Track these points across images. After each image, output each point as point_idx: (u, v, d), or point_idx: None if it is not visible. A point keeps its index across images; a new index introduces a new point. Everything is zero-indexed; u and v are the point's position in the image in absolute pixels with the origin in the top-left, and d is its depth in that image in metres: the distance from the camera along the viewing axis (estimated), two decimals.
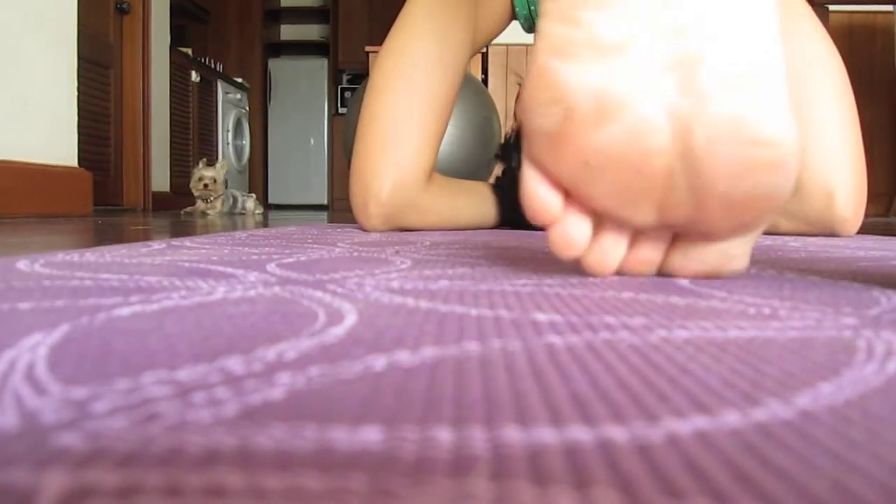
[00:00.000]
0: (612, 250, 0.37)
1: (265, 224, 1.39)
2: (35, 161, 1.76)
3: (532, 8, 1.01)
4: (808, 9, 0.90)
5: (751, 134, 0.30)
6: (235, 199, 2.50)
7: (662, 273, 0.39)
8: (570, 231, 0.36)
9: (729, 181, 0.31)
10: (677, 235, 0.37)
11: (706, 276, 0.38)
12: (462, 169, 1.31)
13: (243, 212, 2.61)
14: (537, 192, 0.35)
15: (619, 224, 0.36)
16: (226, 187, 2.40)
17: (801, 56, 0.87)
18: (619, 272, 0.38)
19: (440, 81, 0.92)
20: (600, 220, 0.36)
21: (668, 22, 0.31)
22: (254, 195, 2.67)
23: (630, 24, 0.31)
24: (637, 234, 0.37)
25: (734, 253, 0.36)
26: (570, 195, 0.35)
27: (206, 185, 2.27)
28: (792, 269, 0.46)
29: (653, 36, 0.31)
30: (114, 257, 0.47)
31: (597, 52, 0.31)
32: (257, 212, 2.62)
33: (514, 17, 1.04)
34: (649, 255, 0.37)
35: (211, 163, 2.38)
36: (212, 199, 2.29)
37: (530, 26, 1.05)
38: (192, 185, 2.30)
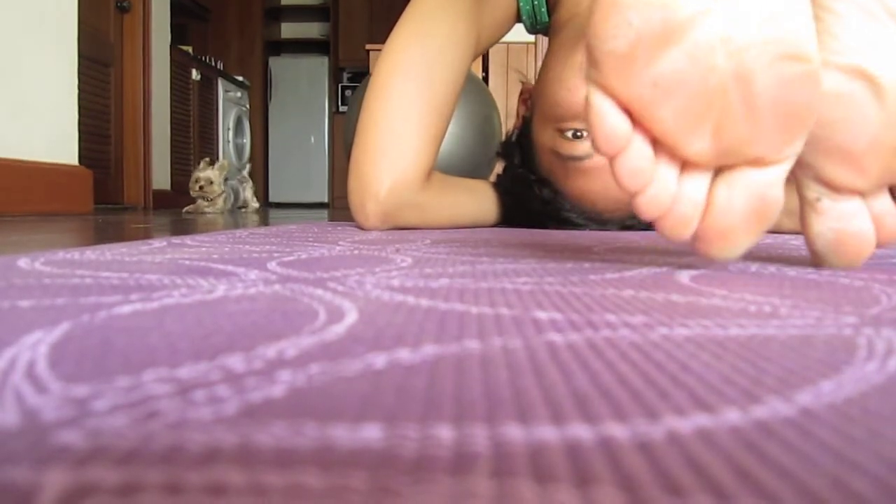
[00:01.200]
0: (666, 182, 0.39)
1: (265, 221, 1.39)
2: (35, 159, 1.76)
3: (535, 3, 1.01)
4: None
5: (791, 51, 0.36)
6: (237, 194, 2.50)
7: (706, 223, 0.40)
8: (636, 158, 0.38)
9: (776, 92, 0.37)
10: (719, 171, 0.40)
11: (753, 210, 0.39)
12: (463, 167, 1.31)
13: (244, 207, 2.61)
14: (609, 115, 0.38)
15: (672, 155, 0.39)
16: (225, 182, 2.39)
17: None
18: (665, 222, 0.40)
19: (441, 81, 0.91)
20: (656, 150, 0.39)
21: None
22: (249, 181, 2.66)
23: None
24: (683, 170, 0.40)
25: (773, 180, 0.39)
26: (634, 121, 0.38)
27: (201, 187, 2.27)
28: (793, 267, 0.46)
29: None
30: (114, 255, 0.47)
31: None
32: (253, 204, 2.62)
33: (518, 18, 1.04)
34: (695, 192, 0.40)
35: (213, 163, 2.38)
36: (211, 198, 2.29)
37: (533, 24, 1.04)
38: (190, 185, 2.30)
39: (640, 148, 0.38)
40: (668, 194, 0.39)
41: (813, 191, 0.43)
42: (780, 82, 0.37)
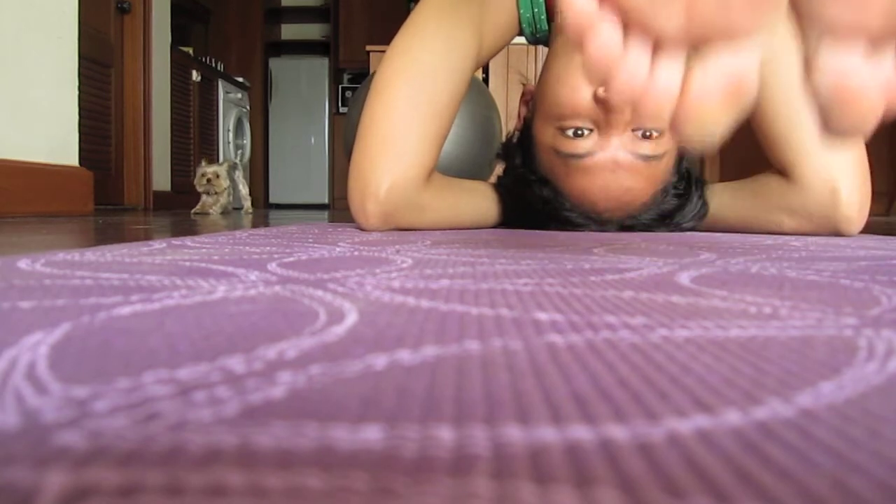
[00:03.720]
0: (638, 65, 0.40)
1: (266, 222, 1.39)
2: (36, 160, 1.76)
3: (535, 10, 1.01)
4: None
5: None
6: (234, 186, 2.50)
7: (683, 107, 0.40)
8: (605, 38, 0.39)
9: None
10: (693, 55, 0.40)
11: (728, 94, 0.40)
12: (463, 168, 1.31)
13: (240, 207, 2.61)
14: None
15: (643, 32, 0.39)
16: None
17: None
18: (641, 108, 0.40)
19: (443, 84, 0.92)
20: (626, 33, 0.40)
21: None
22: (240, 169, 2.65)
23: None
24: (655, 53, 0.40)
25: (747, 65, 0.40)
26: (604, 1, 0.39)
27: (208, 181, 2.27)
28: (793, 268, 0.46)
29: None
30: (115, 256, 0.47)
31: None
32: (245, 195, 2.61)
33: (520, 30, 1.04)
34: (669, 76, 0.40)
35: (213, 161, 2.39)
36: (216, 192, 2.29)
37: (533, 32, 1.05)
38: (195, 181, 2.30)
39: (609, 29, 0.39)
40: (641, 78, 0.40)
41: (812, 41, 0.42)
42: None
